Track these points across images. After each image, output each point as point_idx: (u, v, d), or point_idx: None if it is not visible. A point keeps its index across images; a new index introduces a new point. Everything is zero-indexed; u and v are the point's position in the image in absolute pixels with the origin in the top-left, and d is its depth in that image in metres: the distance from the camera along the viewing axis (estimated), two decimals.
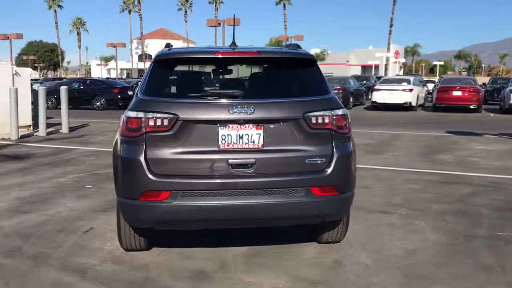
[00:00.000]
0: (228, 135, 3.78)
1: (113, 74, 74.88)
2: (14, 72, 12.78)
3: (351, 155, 4.04)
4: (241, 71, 4.58)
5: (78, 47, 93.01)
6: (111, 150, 4.28)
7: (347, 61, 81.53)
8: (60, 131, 13.76)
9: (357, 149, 10.31)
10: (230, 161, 3.77)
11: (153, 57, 4.28)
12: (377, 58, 62.36)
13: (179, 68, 4.34)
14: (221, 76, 4.50)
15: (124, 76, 73.22)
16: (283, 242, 4.70)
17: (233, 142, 3.79)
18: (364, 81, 33.93)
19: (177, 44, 71.35)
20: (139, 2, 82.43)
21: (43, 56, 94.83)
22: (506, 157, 9.90)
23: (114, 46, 68.10)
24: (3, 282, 3.83)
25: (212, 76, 4.71)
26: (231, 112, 3.75)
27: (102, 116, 19.61)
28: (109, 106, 23.59)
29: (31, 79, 29.74)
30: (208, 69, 4.79)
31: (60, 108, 14.24)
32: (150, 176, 3.71)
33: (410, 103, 23.07)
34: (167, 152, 3.75)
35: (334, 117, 3.92)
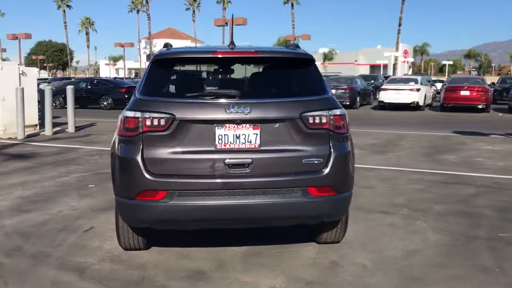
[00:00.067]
0: (225, 135, 3.79)
1: (122, 74, 75.19)
2: (20, 72, 12.87)
3: (349, 155, 4.02)
4: (240, 71, 4.57)
5: (87, 47, 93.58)
6: None
7: (356, 61, 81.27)
8: (66, 130, 13.84)
9: (362, 149, 10.20)
10: (227, 161, 3.77)
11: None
12: (386, 58, 62.09)
13: (176, 68, 4.34)
14: (218, 76, 4.50)
15: (133, 75, 73.56)
16: (282, 242, 4.70)
17: (230, 142, 3.79)
18: (372, 81, 33.80)
19: (185, 43, 71.56)
20: (147, 2, 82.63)
21: (52, 55, 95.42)
22: (511, 157, 9.82)
23: (122, 46, 68.43)
24: (2, 281, 3.86)
25: (209, 76, 4.72)
26: (227, 112, 3.75)
27: (109, 115, 19.69)
28: (116, 106, 23.66)
29: (40, 79, 29.82)
30: (206, 69, 4.79)
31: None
32: (147, 176, 3.73)
33: (417, 103, 22.94)
34: (164, 152, 3.76)
35: (332, 117, 3.91)
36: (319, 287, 3.78)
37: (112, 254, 4.41)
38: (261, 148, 3.81)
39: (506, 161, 9.29)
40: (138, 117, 3.77)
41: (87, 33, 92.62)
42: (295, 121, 3.83)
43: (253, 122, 3.78)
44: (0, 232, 5.01)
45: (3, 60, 49.45)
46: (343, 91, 23.58)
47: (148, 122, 3.75)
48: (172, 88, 4.17)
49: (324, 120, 3.88)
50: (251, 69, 4.68)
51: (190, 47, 4.73)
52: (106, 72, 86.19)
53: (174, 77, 4.29)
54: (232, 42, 4.31)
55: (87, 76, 72.68)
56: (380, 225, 5.29)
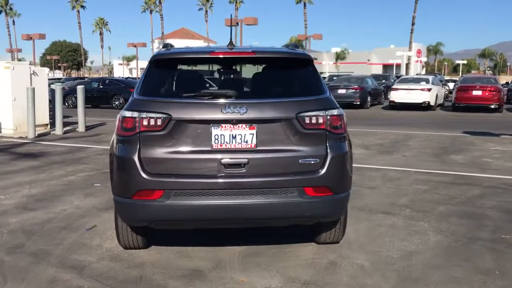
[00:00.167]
0: (221, 135, 3.80)
1: (135, 74, 75.68)
2: (31, 72, 13.03)
3: (346, 156, 4.01)
4: (239, 71, 4.59)
5: (101, 47, 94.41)
6: None
7: (368, 60, 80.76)
8: (77, 129, 13.98)
9: (369, 149, 10.12)
10: (223, 161, 3.78)
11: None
12: (399, 57, 61.60)
13: (174, 68, 4.36)
14: (215, 76, 4.52)
15: None
16: (281, 242, 4.70)
17: (226, 142, 3.81)
18: (383, 80, 33.57)
19: (198, 43, 71.77)
20: (160, 2, 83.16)
21: (66, 56, 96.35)
22: None
23: (135, 46, 68.74)
24: (1, 279, 3.92)
25: (206, 76, 4.73)
26: (224, 112, 3.76)
27: None
28: None
29: (54, 79, 30.05)
30: (204, 69, 4.81)
31: None
32: (144, 175, 3.76)
33: (429, 102, 22.73)
34: (161, 152, 3.78)
35: (329, 117, 3.90)
36: (314, 287, 3.78)
37: (112, 252, 4.45)
38: (257, 148, 3.82)
39: None
40: (135, 117, 3.80)
41: (101, 33, 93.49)
42: (292, 121, 3.83)
43: (249, 122, 3.79)
44: (5, 230, 5.09)
45: (19, 60, 50.07)
46: (353, 90, 23.47)
47: (145, 122, 3.78)
48: (169, 88, 4.20)
49: (320, 120, 3.87)
50: (249, 69, 4.69)
51: (188, 48, 4.75)
52: (120, 72, 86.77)
53: (171, 77, 4.32)
54: (231, 42, 4.32)
55: (101, 76, 73.22)
56: (381, 225, 5.26)
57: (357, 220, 5.36)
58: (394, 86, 24.24)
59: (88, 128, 14.37)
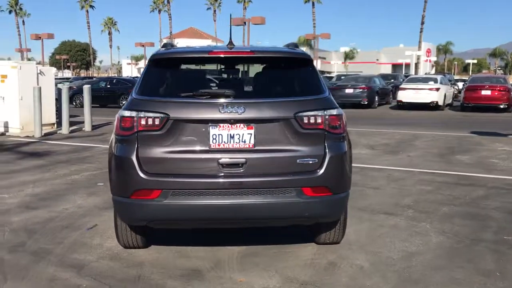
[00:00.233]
0: (219, 134, 3.79)
1: None
2: (38, 71, 13.11)
3: (345, 156, 3.98)
4: (238, 71, 4.57)
5: (110, 47, 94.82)
6: None
7: (377, 60, 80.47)
8: (83, 129, 14.05)
9: (374, 149, 10.07)
10: (221, 160, 3.78)
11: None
12: (408, 57, 61.29)
13: (173, 68, 4.35)
14: (214, 76, 4.51)
15: None
16: (281, 242, 4.68)
17: (224, 142, 3.80)
18: (392, 80, 33.37)
19: (206, 43, 71.87)
20: (168, 2, 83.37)
21: (75, 55, 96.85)
22: None
23: (143, 46, 68.99)
24: (2, 277, 3.94)
25: (204, 76, 4.72)
26: (222, 111, 3.75)
27: None
28: None
29: (62, 78, 30.24)
30: (203, 68, 4.80)
31: None
32: (142, 175, 3.76)
33: (437, 102, 22.56)
34: (159, 151, 3.78)
35: (327, 117, 3.88)
36: (313, 287, 3.76)
37: (112, 252, 4.46)
38: (255, 148, 3.80)
39: None
40: (133, 117, 3.80)
41: (109, 33, 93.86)
42: (290, 121, 3.81)
43: (247, 121, 3.78)
44: (7, 229, 5.12)
45: (28, 59, 50.47)
46: (360, 90, 23.37)
47: (143, 122, 3.78)
48: (168, 88, 4.19)
49: (319, 120, 3.85)
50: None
51: (188, 47, 4.74)
52: (128, 71, 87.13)
53: (170, 77, 4.31)
54: (230, 42, 4.31)
55: (109, 75, 73.60)
56: (383, 226, 5.23)
57: (359, 221, 5.33)
58: (401, 86, 24.10)
59: (94, 127, 14.44)
